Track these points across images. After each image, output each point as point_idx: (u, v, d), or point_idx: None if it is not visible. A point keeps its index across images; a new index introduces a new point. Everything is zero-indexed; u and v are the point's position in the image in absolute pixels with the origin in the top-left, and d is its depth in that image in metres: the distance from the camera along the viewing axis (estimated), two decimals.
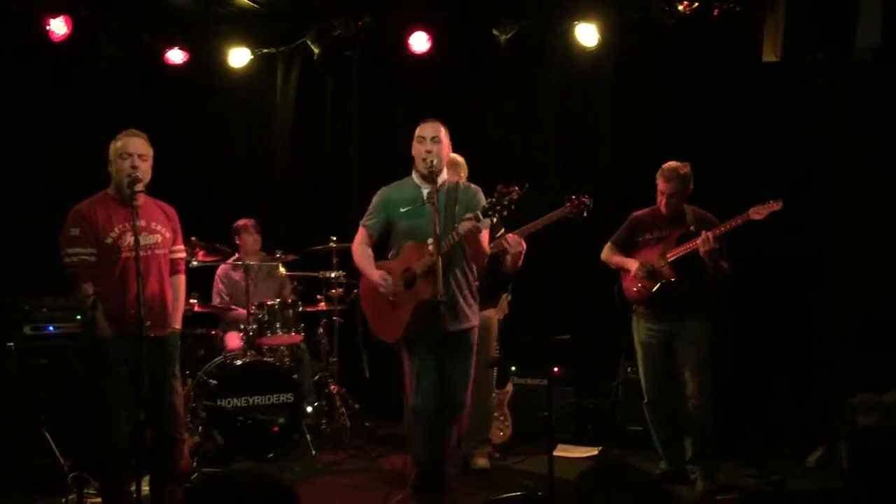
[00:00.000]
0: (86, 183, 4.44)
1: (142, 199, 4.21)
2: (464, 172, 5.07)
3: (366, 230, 4.39)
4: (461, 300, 4.22)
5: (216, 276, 6.35)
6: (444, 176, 4.33)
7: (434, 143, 4.20)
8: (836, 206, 5.72)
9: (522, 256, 4.83)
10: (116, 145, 4.21)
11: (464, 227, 3.98)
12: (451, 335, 4.00)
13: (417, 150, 4.26)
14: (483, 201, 4.12)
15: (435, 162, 4.14)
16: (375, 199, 4.43)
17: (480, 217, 3.94)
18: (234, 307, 6.18)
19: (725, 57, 5.95)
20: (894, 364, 5.03)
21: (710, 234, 4.61)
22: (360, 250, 4.38)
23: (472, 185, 4.44)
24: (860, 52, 5.27)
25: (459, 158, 5.07)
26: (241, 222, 6.36)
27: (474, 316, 4.34)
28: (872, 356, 5.29)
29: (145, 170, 4.20)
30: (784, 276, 5.79)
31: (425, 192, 4.19)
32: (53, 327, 5.18)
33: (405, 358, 4.28)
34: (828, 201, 5.75)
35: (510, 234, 4.74)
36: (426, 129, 4.24)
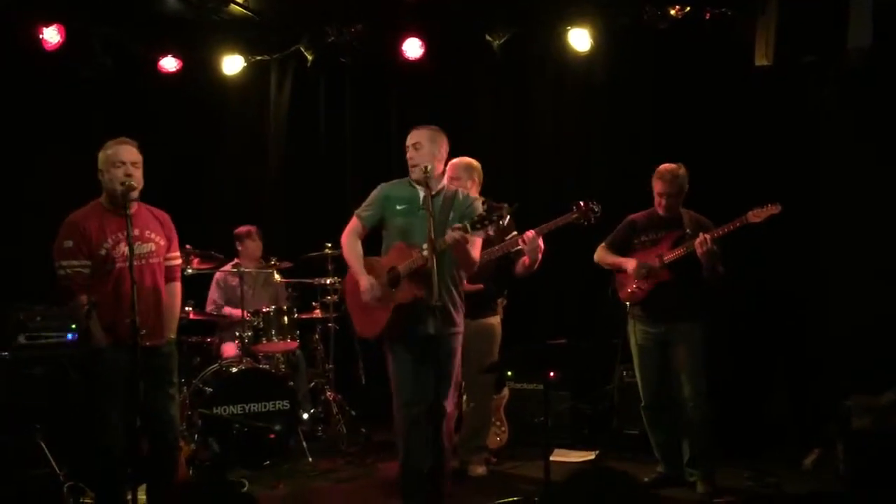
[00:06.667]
0: (79, 191, 4.40)
1: (135, 208, 4.19)
2: (478, 176, 5.08)
3: (360, 220, 4.37)
4: (449, 305, 4.23)
5: (213, 281, 6.34)
6: (442, 182, 4.35)
7: (415, 149, 4.24)
8: (831, 209, 5.73)
9: (541, 254, 4.79)
10: (107, 153, 4.16)
11: (450, 236, 3.99)
12: (436, 339, 3.98)
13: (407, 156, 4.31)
14: (479, 212, 4.14)
15: (422, 167, 4.13)
16: (376, 192, 4.42)
17: (469, 228, 3.96)
18: (227, 312, 6.17)
19: (717, 61, 5.96)
20: (889, 366, 5.05)
21: (707, 235, 4.61)
22: (352, 242, 4.35)
23: (471, 196, 4.47)
24: (851, 53, 5.28)
25: (475, 163, 5.09)
26: (243, 228, 6.36)
27: (460, 322, 4.35)
28: (868, 358, 5.30)
29: (139, 177, 4.17)
30: (780, 278, 5.81)
31: (422, 195, 4.21)
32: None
33: (389, 357, 4.28)
34: (823, 203, 5.76)
35: (528, 231, 4.71)
36: (409, 137, 4.31)
